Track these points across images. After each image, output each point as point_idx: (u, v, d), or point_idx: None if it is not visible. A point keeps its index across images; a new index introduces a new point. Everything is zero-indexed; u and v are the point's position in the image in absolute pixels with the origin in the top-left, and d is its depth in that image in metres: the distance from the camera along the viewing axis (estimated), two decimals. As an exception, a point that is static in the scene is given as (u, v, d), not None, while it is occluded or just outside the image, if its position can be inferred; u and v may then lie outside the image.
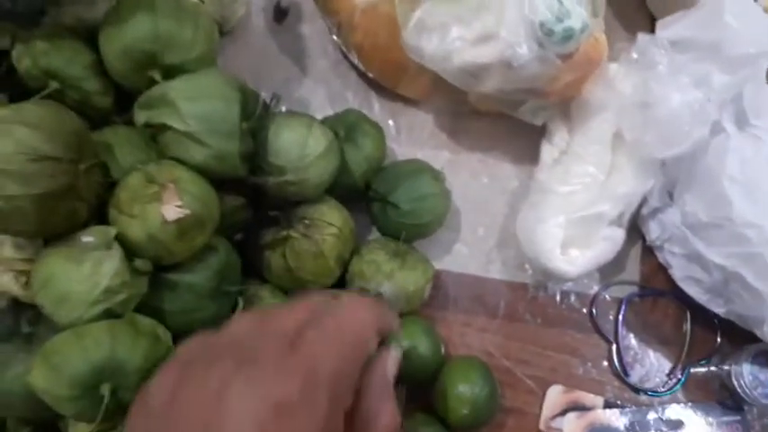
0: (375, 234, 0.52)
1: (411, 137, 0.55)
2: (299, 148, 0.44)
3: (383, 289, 0.46)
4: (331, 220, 0.46)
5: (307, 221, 0.46)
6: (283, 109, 0.54)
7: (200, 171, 0.41)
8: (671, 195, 0.50)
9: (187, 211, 0.39)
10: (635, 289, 0.53)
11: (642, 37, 0.48)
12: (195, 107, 0.40)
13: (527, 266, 0.52)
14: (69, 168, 0.36)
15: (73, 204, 0.36)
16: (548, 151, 0.52)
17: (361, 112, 0.51)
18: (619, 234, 0.49)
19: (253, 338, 0.27)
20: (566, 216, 0.48)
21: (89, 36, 0.44)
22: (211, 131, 0.40)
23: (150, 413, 0.26)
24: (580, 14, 0.44)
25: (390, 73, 0.53)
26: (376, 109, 0.55)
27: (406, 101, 0.56)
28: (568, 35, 0.44)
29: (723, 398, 0.50)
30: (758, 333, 0.46)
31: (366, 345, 0.28)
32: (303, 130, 0.45)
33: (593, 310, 0.52)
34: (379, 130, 0.51)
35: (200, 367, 0.26)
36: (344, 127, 0.49)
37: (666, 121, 0.45)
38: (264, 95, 0.55)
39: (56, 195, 0.35)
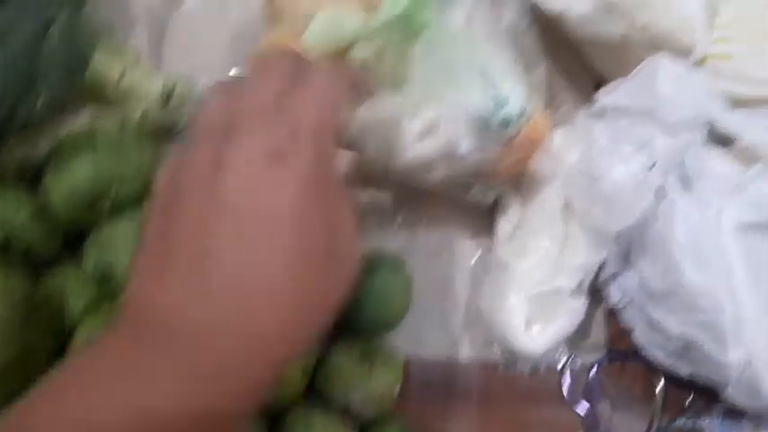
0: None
1: (367, 219, 0.56)
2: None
3: (352, 397, 0.46)
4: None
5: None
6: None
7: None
8: (627, 259, 0.50)
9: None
10: (603, 353, 0.53)
11: (582, 112, 0.49)
12: (143, 245, 0.40)
13: (495, 344, 0.52)
14: (20, 338, 0.37)
15: (26, 373, 0.36)
16: (502, 225, 0.52)
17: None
18: (580, 304, 0.50)
19: (234, 110, 0.29)
20: (525, 293, 0.48)
21: (33, 176, 0.44)
22: (161, 267, 0.40)
23: (160, 208, 0.28)
24: (518, 98, 0.45)
25: (341, 164, 0.54)
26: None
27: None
28: (506, 122, 0.45)
29: (699, 454, 0.51)
30: (722, 395, 0.47)
31: (342, 103, 0.32)
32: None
33: (564, 381, 0.52)
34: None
35: (191, 150, 0.28)
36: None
37: (611, 194, 0.46)
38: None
39: (7, 367, 0.35)
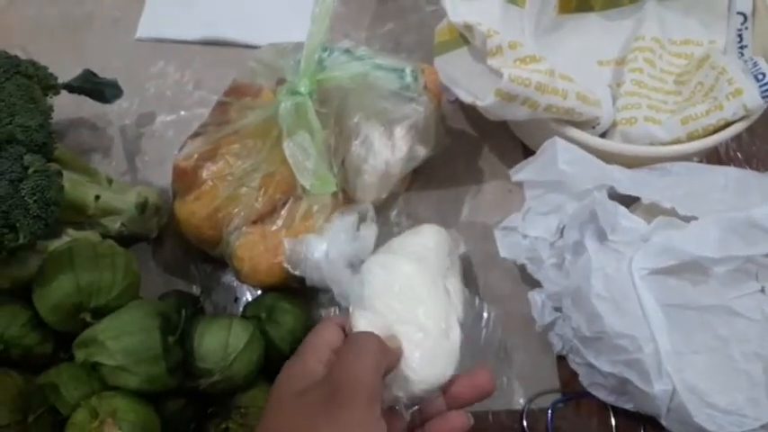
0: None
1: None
2: (221, 349, 0.50)
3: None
4: (264, 403, 0.51)
5: (243, 410, 0.51)
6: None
7: (138, 394, 0.47)
8: (559, 310, 0.55)
9: (127, 438, 0.44)
10: (558, 396, 0.57)
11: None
12: (120, 343, 0.46)
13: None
14: (17, 429, 0.42)
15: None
16: None
17: (276, 293, 0.57)
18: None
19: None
20: None
21: (27, 290, 0.50)
22: (138, 361, 0.46)
23: None
24: (408, 67, 0.56)
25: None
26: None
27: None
28: (414, 77, 0.56)
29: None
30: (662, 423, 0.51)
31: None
32: (223, 332, 0.51)
33: (525, 424, 0.56)
34: (297, 304, 0.57)
35: None
36: (265, 309, 0.55)
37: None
38: (196, 288, 0.62)
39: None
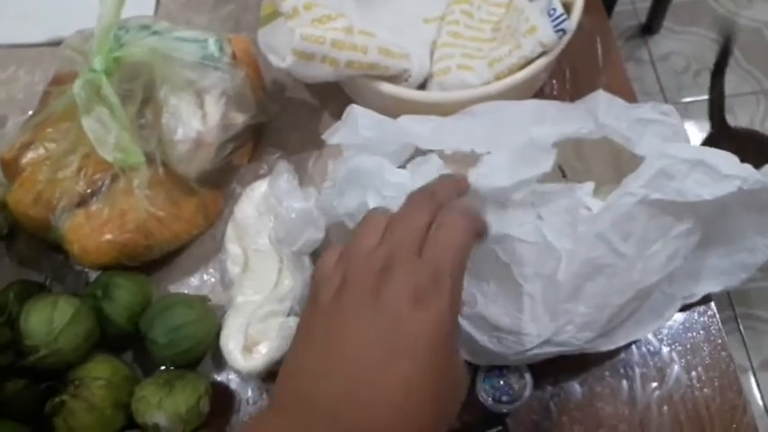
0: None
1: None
2: (45, 325, 0.52)
3: (156, 419, 0.52)
4: (98, 374, 0.53)
5: (77, 382, 0.53)
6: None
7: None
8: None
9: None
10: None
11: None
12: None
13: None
14: None
15: None
16: (232, 270, 0.60)
17: (112, 271, 0.59)
18: (295, 323, 0.56)
19: (386, 253, 0.34)
20: (243, 320, 0.56)
21: None
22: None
23: (323, 314, 0.34)
24: (211, 37, 0.60)
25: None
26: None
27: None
28: (219, 47, 0.59)
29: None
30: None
31: (470, 246, 0.36)
32: (48, 309, 0.53)
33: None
34: (135, 280, 0.58)
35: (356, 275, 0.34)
36: (101, 287, 0.57)
37: (286, 226, 0.55)
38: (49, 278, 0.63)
39: None
